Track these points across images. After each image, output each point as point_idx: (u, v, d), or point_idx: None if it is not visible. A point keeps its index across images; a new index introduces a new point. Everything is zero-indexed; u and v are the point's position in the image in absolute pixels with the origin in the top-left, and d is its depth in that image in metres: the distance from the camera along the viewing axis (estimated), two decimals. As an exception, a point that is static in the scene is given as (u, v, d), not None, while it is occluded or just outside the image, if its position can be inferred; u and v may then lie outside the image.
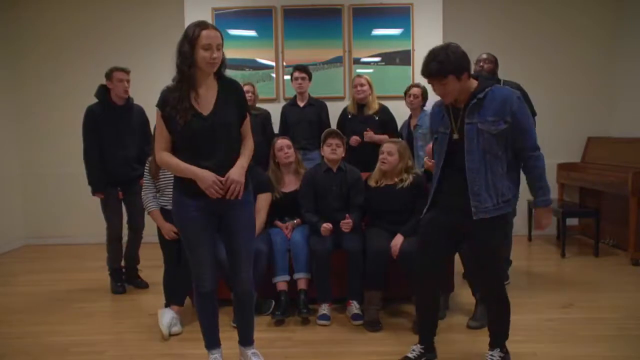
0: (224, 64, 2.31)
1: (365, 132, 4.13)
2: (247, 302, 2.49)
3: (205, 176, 2.22)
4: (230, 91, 2.33)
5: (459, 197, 2.28)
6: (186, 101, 2.23)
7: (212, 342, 2.51)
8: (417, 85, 4.21)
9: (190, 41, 2.21)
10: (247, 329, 2.54)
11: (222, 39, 2.26)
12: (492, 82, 2.33)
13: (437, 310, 2.59)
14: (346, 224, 3.19)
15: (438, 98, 2.38)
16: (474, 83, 2.29)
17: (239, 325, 2.57)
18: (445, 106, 2.36)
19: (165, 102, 2.26)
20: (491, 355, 2.45)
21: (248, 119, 2.40)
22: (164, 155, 2.30)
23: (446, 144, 2.33)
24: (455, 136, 2.30)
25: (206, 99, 2.28)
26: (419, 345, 2.56)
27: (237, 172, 2.27)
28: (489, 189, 2.25)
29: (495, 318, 2.46)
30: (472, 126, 2.24)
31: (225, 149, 2.28)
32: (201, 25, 2.23)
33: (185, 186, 2.30)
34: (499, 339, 2.46)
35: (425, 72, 2.26)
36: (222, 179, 2.23)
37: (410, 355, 2.54)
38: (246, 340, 2.55)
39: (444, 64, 2.20)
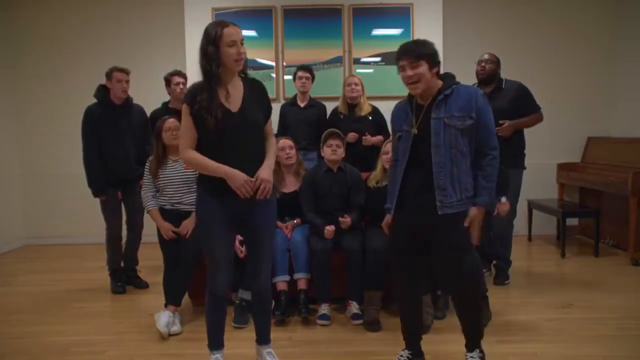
0: (246, 62, 2.32)
1: (364, 137, 4.12)
2: (266, 301, 2.50)
3: (236, 175, 2.21)
4: (255, 89, 2.36)
5: (424, 195, 2.28)
6: (216, 100, 2.23)
7: (217, 343, 2.50)
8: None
9: (214, 41, 2.20)
10: (265, 327, 2.55)
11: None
12: (456, 81, 2.36)
13: (420, 314, 2.57)
14: (344, 222, 3.20)
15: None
16: (439, 82, 2.33)
17: (257, 324, 2.57)
18: (409, 104, 2.38)
19: (194, 100, 2.24)
20: (471, 356, 2.44)
21: (271, 118, 2.42)
22: (191, 153, 2.28)
23: (411, 142, 2.33)
24: (414, 131, 2.31)
25: (234, 97, 2.29)
26: (406, 350, 2.55)
27: (267, 171, 2.29)
28: (453, 183, 2.26)
29: (466, 320, 2.43)
30: (438, 121, 2.26)
31: (254, 147, 2.31)
32: (221, 24, 2.24)
33: (210, 184, 2.30)
34: (475, 340, 2.45)
35: (400, 52, 2.29)
36: (252, 179, 2.24)
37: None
38: (263, 339, 2.56)
39: (420, 46, 2.27)
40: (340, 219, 3.21)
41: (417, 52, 2.25)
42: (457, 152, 2.26)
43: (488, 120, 2.30)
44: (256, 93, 2.35)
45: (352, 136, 4.09)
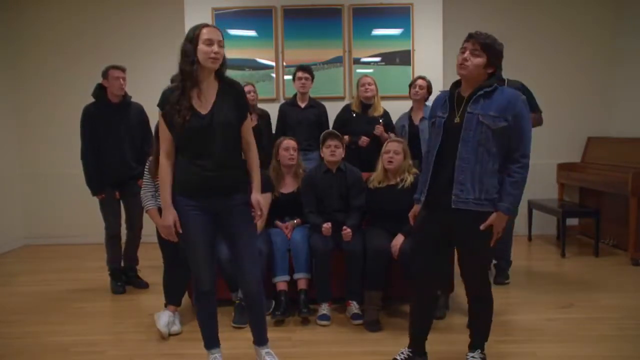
0: (224, 64, 2.32)
1: (377, 126, 4.12)
2: (255, 302, 2.49)
3: (167, 216, 2.30)
4: (230, 92, 2.34)
5: (446, 189, 2.26)
6: (185, 100, 2.25)
7: (211, 341, 2.51)
8: (424, 78, 4.25)
9: (191, 39, 2.25)
10: (258, 328, 2.55)
11: (223, 39, 2.29)
12: (502, 82, 2.34)
13: (433, 313, 2.58)
14: (346, 234, 3.19)
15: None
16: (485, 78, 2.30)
17: (251, 325, 2.57)
18: (450, 93, 2.35)
19: (165, 101, 2.29)
20: (472, 356, 2.44)
21: (249, 120, 2.40)
22: (162, 162, 2.33)
23: (442, 129, 2.31)
24: (457, 120, 2.27)
25: (206, 98, 2.29)
26: (407, 348, 2.55)
27: (259, 195, 2.39)
28: (474, 181, 2.23)
29: (478, 319, 2.44)
30: (472, 115, 2.23)
31: (223, 149, 2.29)
32: (202, 25, 2.28)
33: (182, 185, 2.31)
34: (480, 340, 2.46)
35: (474, 34, 2.25)
36: (177, 229, 2.31)
37: (398, 357, 2.54)
38: (259, 339, 2.56)
39: (491, 41, 2.23)
40: (343, 232, 3.21)
41: (485, 43, 2.21)
42: (485, 151, 2.22)
43: (524, 127, 2.23)
44: (231, 96, 2.33)
45: (365, 140, 4.10)
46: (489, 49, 2.22)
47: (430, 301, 2.51)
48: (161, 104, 2.30)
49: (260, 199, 2.38)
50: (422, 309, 2.51)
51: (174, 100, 2.26)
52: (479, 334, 2.47)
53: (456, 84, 2.36)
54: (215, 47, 2.23)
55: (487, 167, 2.23)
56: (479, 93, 2.24)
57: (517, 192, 2.25)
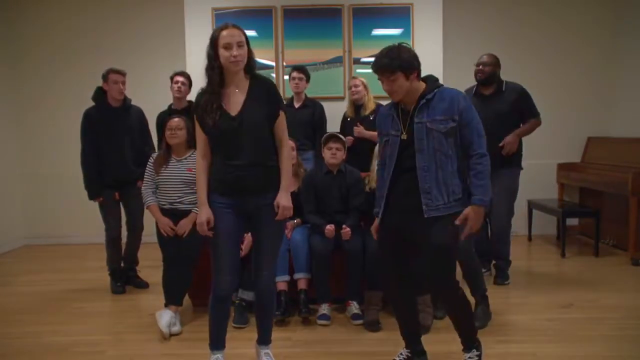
0: (252, 62, 2.34)
1: (355, 127, 4.13)
2: (267, 300, 2.49)
3: (201, 213, 2.34)
4: (260, 89, 2.34)
5: (411, 197, 2.28)
6: (215, 102, 2.28)
7: (218, 343, 2.50)
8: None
9: (212, 44, 2.27)
10: (266, 328, 2.55)
11: (246, 38, 2.29)
12: (439, 84, 2.35)
13: (416, 314, 2.57)
14: (345, 233, 3.20)
15: None
16: (422, 85, 2.33)
17: (258, 324, 2.56)
18: (394, 109, 2.37)
19: (197, 104, 2.34)
20: (469, 357, 2.44)
21: (282, 118, 2.38)
22: (198, 164, 2.39)
23: (397, 147, 2.33)
24: (404, 136, 2.30)
25: (235, 99, 2.31)
26: (405, 349, 2.56)
27: (285, 197, 2.33)
28: (439, 186, 2.25)
29: (457, 319, 2.43)
30: (421, 125, 2.26)
31: (254, 149, 2.30)
32: (222, 26, 2.29)
33: (217, 184, 2.35)
34: (470, 339, 2.45)
35: (375, 67, 2.29)
36: (209, 226, 2.33)
37: (397, 358, 2.55)
38: (264, 339, 2.56)
39: (394, 60, 2.23)
40: (342, 232, 3.21)
41: (390, 66, 2.23)
42: (442, 155, 2.26)
43: (472, 120, 2.27)
44: (262, 93, 2.33)
45: (349, 140, 4.09)
46: (396, 68, 2.22)
47: (408, 304, 2.50)
48: (194, 109, 2.35)
49: (281, 201, 2.33)
50: (403, 313, 2.51)
51: (204, 103, 2.29)
52: (465, 334, 2.45)
53: None
54: (234, 51, 2.23)
55: (447, 169, 2.27)
56: (421, 102, 2.28)
57: (484, 182, 2.28)
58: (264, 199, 2.34)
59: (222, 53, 2.24)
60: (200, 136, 2.37)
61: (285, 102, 4.53)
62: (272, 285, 2.49)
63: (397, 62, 2.23)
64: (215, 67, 2.27)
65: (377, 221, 2.49)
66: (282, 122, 2.38)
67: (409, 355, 2.54)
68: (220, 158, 2.34)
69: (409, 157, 2.29)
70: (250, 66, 2.34)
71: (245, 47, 2.28)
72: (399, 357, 2.55)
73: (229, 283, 2.39)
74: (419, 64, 2.29)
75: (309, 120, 4.35)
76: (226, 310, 2.48)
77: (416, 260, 2.35)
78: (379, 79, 2.31)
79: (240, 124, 2.27)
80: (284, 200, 2.33)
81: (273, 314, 2.62)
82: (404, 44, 2.30)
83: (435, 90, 2.30)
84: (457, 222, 2.27)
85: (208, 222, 2.34)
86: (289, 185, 2.37)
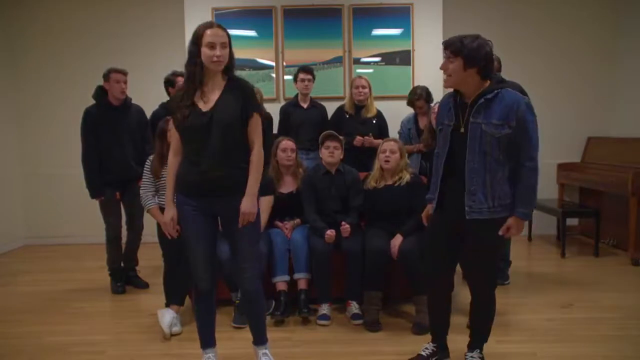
0: (232, 64, 2.33)
1: (366, 138, 4.12)
2: (252, 301, 2.47)
3: (166, 212, 2.39)
4: (236, 91, 2.32)
5: (459, 195, 2.27)
6: (188, 98, 2.27)
7: (207, 341, 2.51)
8: (420, 98, 4.15)
9: (195, 40, 2.26)
10: (256, 328, 2.54)
11: (229, 39, 2.28)
12: (503, 84, 2.29)
13: (449, 310, 2.57)
14: (344, 230, 3.20)
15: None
16: (486, 83, 2.26)
17: (250, 325, 2.56)
18: (453, 99, 2.33)
19: (172, 100, 2.36)
20: (471, 356, 2.45)
21: (256, 120, 2.34)
22: (169, 159, 2.40)
23: (449, 138, 2.31)
24: (462, 130, 2.26)
25: (209, 97, 2.30)
26: (431, 343, 2.57)
27: (248, 202, 2.29)
28: (485, 190, 2.23)
29: (480, 319, 2.45)
30: (476, 125, 2.22)
31: (223, 149, 2.27)
32: (207, 24, 2.28)
33: (182, 184, 2.34)
34: (480, 340, 2.46)
35: (446, 41, 2.25)
36: (175, 229, 2.38)
37: (423, 353, 2.55)
38: (257, 339, 2.55)
39: (463, 45, 2.18)
40: (341, 228, 3.21)
41: (455, 47, 2.19)
42: (492, 160, 2.21)
43: (529, 130, 2.20)
44: (237, 95, 2.31)
45: (359, 140, 4.10)
46: (459, 52, 2.18)
47: (445, 298, 2.51)
48: (169, 103, 2.36)
49: (242, 206, 2.27)
50: (438, 306, 2.52)
51: (178, 99, 2.30)
52: (479, 334, 2.47)
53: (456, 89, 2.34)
54: (217, 51, 2.22)
55: (497, 175, 2.23)
56: (479, 101, 2.22)
57: (531, 196, 2.25)
58: (235, 201, 2.29)
59: (205, 51, 2.23)
60: (174, 133, 2.36)
61: (288, 103, 4.57)
62: (256, 285, 2.44)
63: (463, 49, 2.17)
64: (196, 64, 2.25)
65: (429, 206, 2.49)
66: (255, 124, 2.34)
67: (435, 349, 2.55)
68: (187, 157, 2.33)
69: (460, 152, 2.26)
70: (229, 67, 2.32)
71: (228, 48, 2.28)
72: (424, 351, 2.56)
73: (206, 277, 2.39)
74: (485, 61, 2.21)
75: (319, 121, 4.37)
76: (210, 307, 2.48)
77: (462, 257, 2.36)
78: (444, 53, 2.25)
79: (209, 120, 2.25)
80: (244, 205, 2.27)
81: (263, 314, 2.59)
82: (483, 39, 2.24)
83: (497, 91, 2.22)
84: (500, 232, 2.26)
85: (172, 221, 2.36)
86: (254, 189, 2.31)
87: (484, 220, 2.24)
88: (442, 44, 2.26)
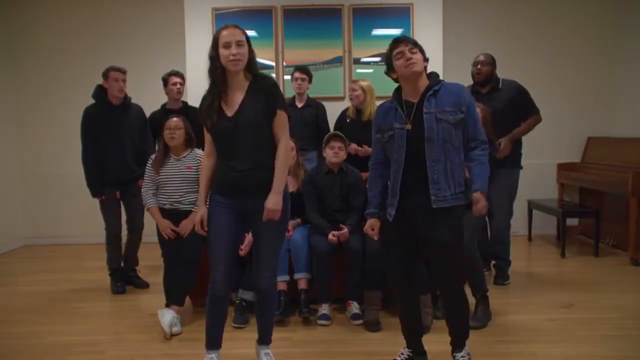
0: (252, 62, 2.33)
1: (359, 149, 4.01)
2: (266, 301, 2.48)
3: (198, 212, 2.42)
4: (259, 89, 2.32)
5: (418, 190, 2.29)
6: (215, 103, 2.30)
7: (213, 342, 2.50)
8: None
9: (214, 44, 2.28)
10: (266, 328, 2.54)
11: (247, 38, 2.29)
12: (441, 79, 2.40)
13: (419, 313, 2.57)
14: (343, 235, 3.20)
15: None
16: (426, 80, 2.37)
17: (259, 324, 2.56)
18: (397, 101, 2.38)
19: (201, 107, 2.37)
20: (462, 356, 2.44)
21: (281, 116, 2.34)
22: (202, 161, 2.49)
23: (405, 138, 2.31)
24: (408, 127, 2.31)
25: (235, 100, 2.31)
26: (407, 349, 2.56)
27: (273, 200, 2.29)
28: (447, 177, 2.28)
29: (455, 317, 2.44)
30: (431, 115, 2.28)
31: (251, 150, 2.30)
32: (222, 27, 2.30)
33: (218, 184, 2.38)
34: (462, 339, 2.46)
35: (399, 38, 2.35)
36: (204, 227, 2.39)
37: (398, 358, 2.55)
38: (264, 339, 2.55)
39: (417, 43, 2.35)
40: (339, 233, 3.21)
41: (413, 41, 2.34)
42: (451, 146, 2.29)
43: (475, 114, 2.37)
44: (260, 93, 2.31)
45: (352, 148, 4.03)
46: (419, 46, 2.33)
47: (413, 303, 2.52)
48: (199, 109, 2.38)
49: (267, 203, 2.28)
50: (407, 312, 2.52)
51: (206, 105, 2.32)
52: (459, 332, 2.46)
53: (396, 92, 2.42)
54: (233, 49, 2.23)
55: (455, 160, 2.31)
56: (428, 93, 2.31)
57: (486, 172, 2.36)
58: (262, 200, 2.31)
59: (222, 52, 2.24)
60: (207, 136, 2.40)
61: (287, 102, 4.56)
62: (272, 286, 2.48)
63: (419, 45, 2.35)
64: (217, 68, 2.27)
65: (372, 221, 2.47)
66: (280, 121, 2.34)
67: (410, 355, 2.54)
68: (220, 158, 2.38)
69: (415, 150, 2.30)
70: (251, 66, 2.33)
71: (246, 47, 2.28)
72: (400, 356, 2.55)
73: (224, 282, 2.38)
74: (428, 59, 2.40)
75: (312, 121, 4.34)
76: (222, 309, 2.47)
77: (421, 258, 2.37)
78: (396, 53, 2.31)
79: (235, 125, 2.28)
80: (270, 202, 2.28)
81: (274, 314, 2.61)
82: None
83: (441, 84, 2.35)
84: (474, 212, 2.35)
85: (202, 221, 2.37)
86: (281, 187, 2.33)
87: (447, 209, 2.28)
88: (396, 41, 2.34)
